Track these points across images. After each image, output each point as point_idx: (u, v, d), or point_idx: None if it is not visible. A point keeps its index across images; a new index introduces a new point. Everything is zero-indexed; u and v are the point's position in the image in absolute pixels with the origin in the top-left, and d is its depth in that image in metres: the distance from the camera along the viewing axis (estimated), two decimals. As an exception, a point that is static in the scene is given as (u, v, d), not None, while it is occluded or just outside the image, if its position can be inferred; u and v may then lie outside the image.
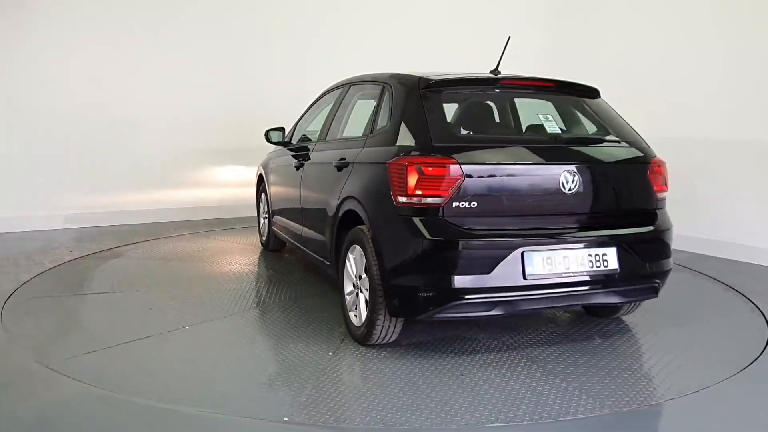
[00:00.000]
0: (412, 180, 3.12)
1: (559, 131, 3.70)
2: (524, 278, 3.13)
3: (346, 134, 4.33)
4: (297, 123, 5.30)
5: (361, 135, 3.91)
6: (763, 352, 3.57)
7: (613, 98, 7.03)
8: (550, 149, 3.51)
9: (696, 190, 6.26)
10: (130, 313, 4.12)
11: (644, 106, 6.67)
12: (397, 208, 3.19)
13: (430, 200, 3.11)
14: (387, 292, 3.27)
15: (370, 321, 3.39)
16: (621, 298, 3.48)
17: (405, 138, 3.36)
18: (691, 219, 6.27)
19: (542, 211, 3.34)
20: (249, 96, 7.59)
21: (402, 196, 3.16)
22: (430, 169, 3.12)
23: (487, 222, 3.19)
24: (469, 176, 3.14)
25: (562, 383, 3.11)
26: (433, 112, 3.38)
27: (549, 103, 3.97)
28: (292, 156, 4.90)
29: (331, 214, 3.91)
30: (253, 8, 7.69)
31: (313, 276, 5.03)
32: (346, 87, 4.54)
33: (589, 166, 3.40)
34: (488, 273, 3.09)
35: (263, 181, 5.92)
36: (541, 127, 3.74)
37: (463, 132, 3.67)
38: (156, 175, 7.42)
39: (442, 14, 8.10)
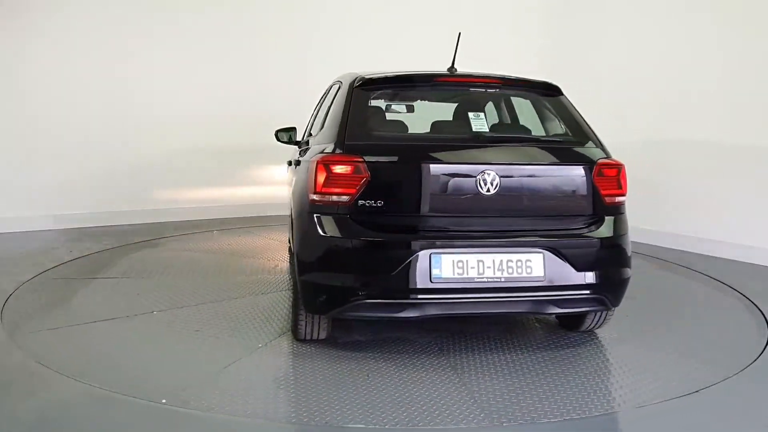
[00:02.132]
0: (321, 178, 3.13)
1: (486, 130, 3.56)
2: (431, 281, 3.04)
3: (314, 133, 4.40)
4: (309, 121, 5.34)
5: (315, 134, 4.00)
6: (763, 352, 3.57)
7: (614, 98, 7.04)
8: (471, 148, 3.40)
9: (695, 190, 6.27)
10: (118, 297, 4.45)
11: (644, 106, 6.69)
12: (309, 205, 3.21)
13: (336, 198, 3.12)
14: (300, 289, 3.31)
15: (294, 316, 3.48)
16: (552, 308, 3.24)
17: (330, 137, 3.39)
18: (691, 219, 6.28)
19: (456, 212, 3.21)
20: (253, 94, 7.58)
21: (313, 193, 3.17)
22: (337, 167, 3.12)
23: (393, 222, 3.16)
24: (376, 175, 3.12)
25: (531, 387, 3.10)
26: (357, 111, 3.39)
27: (491, 102, 3.96)
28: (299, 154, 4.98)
29: (288, 212, 4.07)
30: (256, 6, 7.69)
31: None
32: (333, 85, 4.59)
33: (515, 167, 3.25)
34: (391, 274, 3.04)
35: None
36: (468, 125, 3.67)
37: (384, 130, 3.64)
38: (156, 175, 7.41)
39: (441, 14, 8.10)
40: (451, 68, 3.76)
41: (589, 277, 3.23)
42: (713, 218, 6.09)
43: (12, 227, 6.50)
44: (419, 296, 3.08)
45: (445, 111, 4.00)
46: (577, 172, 3.32)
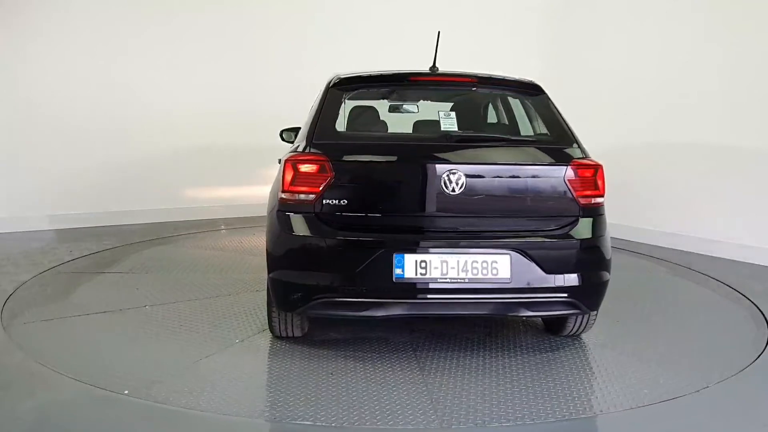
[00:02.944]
0: (289, 176, 3.18)
1: (455, 129, 3.54)
2: (392, 281, 3.04)
3: None
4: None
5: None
6: (762, 352, 3.58)
7: (614, 99, 7.04)
8: (438, 148, 3.36)
9: (695, 190, 6.27)
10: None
11: (644, 106, 6.69)
12: (278, 203, 3.25)
13: (302, 197, 3.16)
14: (270, 286, 3.34)
15: (268, 313, 3.50)
16: (522, 310, 3.21)
17: (302, 136, 3.44)
18: (691, 219, 6.28)
19: (421, 211, 3.20)
20: (253, 93, 7.56)
21: (281, 192, 3.22)
22: (303, 166, 3.17)
23: (357, 221, 3.18)
24: (341, 174, 3.15)
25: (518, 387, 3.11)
26: (329, 110, 3.43)
27: (470, 101, 3.96)
28: None
29: None
30: (256, 5, 7.68)
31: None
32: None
33: (482, 167, 3.23)
34: (354, 273, 3.08)
35: None
36: (437, 124, 3.67)
37: (354, 130, 3.64)
38: (157, 175, 7.40)
39: (442, 15, 8.10)
40: (433, 67, 3.75)
41: (560, 279, 3.17)
42: (713, 218, 6.09)
43: (12, 227, 6.49)
44: (382, 296, 3.10)
45: (431, 110, 3.99)
46: (549, 172, 3.27)
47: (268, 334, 3.65)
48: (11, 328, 3.74)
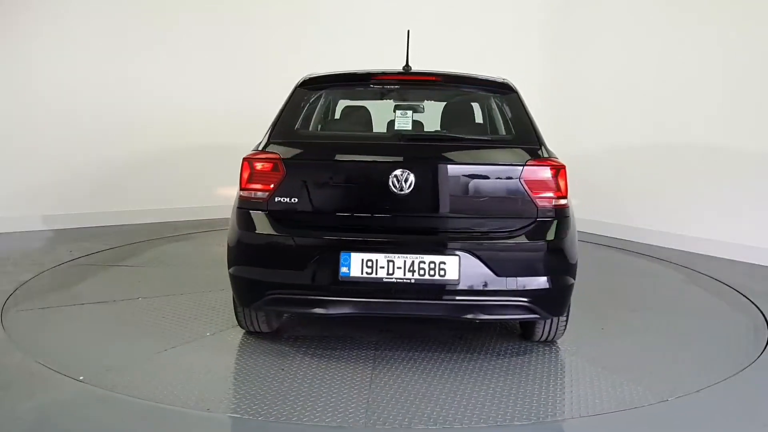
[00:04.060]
0: (245, 174, 3.27)
1: (409, 128, 3.52)
2: (338, 279, 3.05)
3: None
4: None
5: None
6: (763, 352, 3.58)
7: (613, 100, 7.04)
8: (387, 147, 3.38)
9: (695, 190, 6.27)
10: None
11: (644, 106, 6.69)
12: (238, 200, 3.32)
13: (257, 195, 3.23)
14: (230, 281, 3.37)
15: (234, 307, 3.53)
16: (477, 314, 3.15)
17: (265, 134, 3.50)
18: (691, 219, 6.28)
19: (369, 211, 3.22)
20: (255, 93, 7.54)
21: (240, 189, 3.30)
22: (257, 164, 3.25)
23: (307, 219, 3.23)
24: (292, 173, 3.20)
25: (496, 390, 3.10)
26: (291, 110, 3.50)
27: (438, 100, 3.97)
28: None
29: None
30: (256, 4, 7.68)
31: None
32: None
33: (432, 167, 3.21)
34: (300, 270, 3.11)
35: None
36: (392, 123, 3.69)
37: (313, 129, 3.66)
38: (158, 174, 7.40)
39: (443, 15, 8.10)
40: (406, 66, 3.75)
41: (515, 283, 3.10)
42: (713, 218, 6.09)
43: (12, 227, 6.48)
44: (328, 294, 3.13)
45: (374, 109, 4.01)
46: (504, 172, 3.20)
47: (242, 329, 3.71)
48: (7, 313, 3.91)
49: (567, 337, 3.64)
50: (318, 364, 3.29)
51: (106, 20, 6.92)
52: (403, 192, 3.10)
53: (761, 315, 4.24)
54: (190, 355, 3.40)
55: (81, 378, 3.03)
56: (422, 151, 3.35)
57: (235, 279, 3.30)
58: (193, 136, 7.50)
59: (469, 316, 3.17)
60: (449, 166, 3.24)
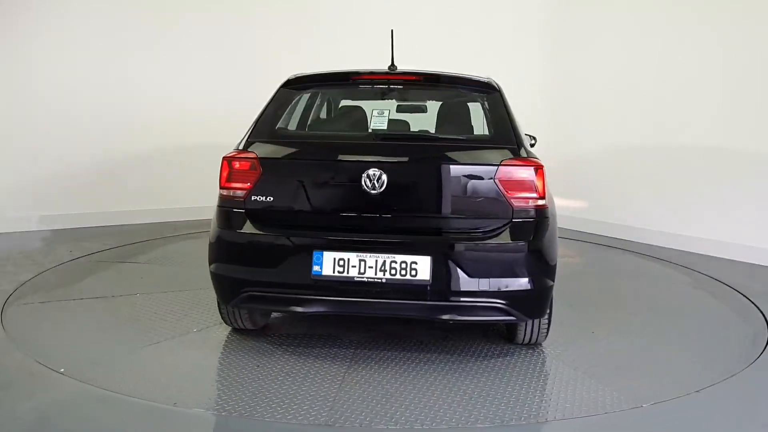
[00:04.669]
0: (225, 173, 3.31)
1: (384, 128, 3.51)
2: (311, 278, 3.07)
3: None
4: None
5: None
6: (763, 352, 3.58)
7: (613, 100, 7.04)
8: (361, 147, 3.38)
9: (695, 190, 6.27)
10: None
11: (644, 106, 6.69)
12: (219, 199, 3.36)
13: (235, 193, 3.27)
14: (211, 278, 3.40)
15: (218, 304, 3.56)
16: (451, 315, 3.13)
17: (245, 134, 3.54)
18: (691, 219, 6.28)
19: (341, 210, 3.23)
20: (255, 93, 7.47)
21: (220, 188, 3.34)
22: (235, 163, 3.29)
23: (281, 217, 3.26)
24: (268, 172, 3.23)
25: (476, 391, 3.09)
26: (272, 109, 3.54)
27: (420, 99, 3.99)
28: None
29: None
30: (257, 4, 7.68)
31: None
32: None
33: (405, 166, 3.21)
34: (274, 268, 3.15)
35: None
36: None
37: (292, 128, 3.68)
38: (158, 174, 7.40)
39: (443, 15, 8.10)
40: (391, 66, 3.74)
41: (489, 284, 3.06)
42: (713, 218, 6.09)
43: (12, 227, 6.48)
44: (301, 292, 3.14)
45: (354, 109, 3.99)
46: (478, 172, 3.16)
47: (228, 327, 3.74)
48: (7, 314, 3.96)
49: (554, 339, 3.62)
50: (295, 361, 3.31)
51: (106, 20, 6.91)
52: (375, 191, 3.09)
53: (761, 315, 4.24)
54: (171, 351, 3.47)
55: (62, 370, 3.10)
56: (395, 150, 3.31)
57: (214, 276, 3.33)
58: (193, 136, 7.49)
59: (446, 317, 3.15)
60: (422, 166, 3.24)
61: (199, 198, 7.69)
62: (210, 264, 3.35)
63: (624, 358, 3.51)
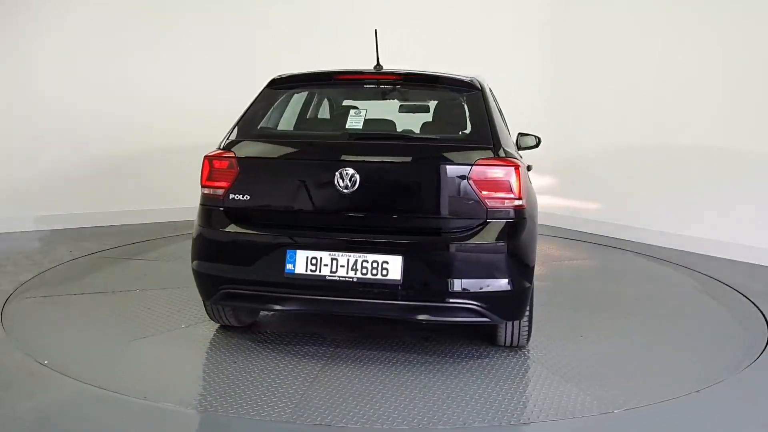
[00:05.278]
0: (205, 171, 3.37)
1: (359, 127, 3.47)
2: (284, 276, 3.09)
3: None
4: None
5: None
6: (763, 352, 3.58)
7: (614, 100, 7.04)
8: (336, 146, 3.37)
9: (695, 190, 6.27)
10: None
11: (644, 107, 6.69)
12: (201, 197, 3.42)
13: (215, 192, 3.33)
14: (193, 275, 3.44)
15: (203, 301, 3.57)
16: (423, 315, 3.11)
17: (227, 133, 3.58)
18: (691, 219, 6.28)
19: (315, 209, 3.23)
20: (255, 92, 7.53)
21: (201, 186, 3.40)
22: (215, 162, 3.35)
23: (256, 216, 3.29)
24: (245, 171, 3.27)
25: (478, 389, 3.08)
26: (255, 109, 3.58)
27: (402, 99, 4.00)
28: None
29: None
30: (257, 4, 7.68)
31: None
32: None
33: (378, 166, 3.20)
34: (249, 266, 3.19)
35: None
36: (341, 121, 3.70)
37: (270, 127, 3.69)
38: (158, 174, 7.39)
39: (443, 15, 8.10)
40: (377, 66, 3.73)
41: (462, 285, 3.03)
42: (713, 218, 6.09)
43: (12, 227, 6.48)
44: (274, 290, 3.17)
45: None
46: (452, 172, 3.11)
47: (216, 323, 3.78)
48: (13, 300, 4.12)
49: (540, 342, 3.60)
50: (272, 359, 3.33)
51: (106, 20, 6.91)
52: (348, 191, 3.10)
53: (761, 315, 4.24)
54: (154, 346, 3.52)
55: (45, 362, 3.19)
56: (368, 150, 3.30)
57: (195, 273, 3.38)
58: (193, 136, 7.46)
59: (421, 317, 3.13)
60: (395, 166, 3.23)
61: (198, 198, 7.70)
62: (192, 261, 3.40)
63: (619, 359, 3.50)
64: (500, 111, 4.76)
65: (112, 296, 4.39)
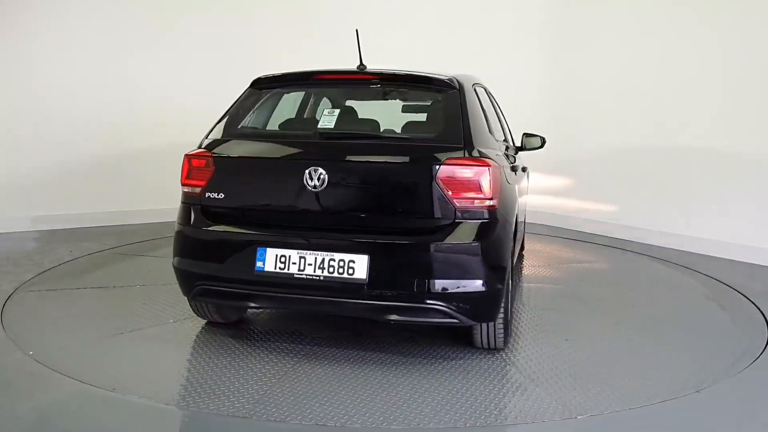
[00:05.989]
0: (185, 170, 3.44)
1: (331, 127, 3.48)
2: (254, 273, 3.13)
3: None
4: None
5: None
6: (763, 352, 3.58)
7: (614, 100, 7.04)
8: (305, 146, 3.44)
9: (695, 190, 6.27)
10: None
11: (644, 107, 6.69)
12: (182, 195, 3.48)
13: (193, 190, 3.39)
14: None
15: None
16: (392, 315, 3.08)
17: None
18: (691, 219, 6.28)
19: (284, 207, 3.28)
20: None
21: (181, 185, 3.46)
22: (193, 160, 3.42)
23: (230, 214, 3.34)
24: (220, 169, 3.34)
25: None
26: (236, 109, 3.68)
27: (380, 98, 4.00)
28: None
29: None
30: (257, 4, 7.68)
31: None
32: None
33: (346, 165, 3.21)
34: (222, 263, 3.24)
35: None
36: (315, 121, 3.80)
37: (250, 126, 3.72)
38: (157, 174, 7.39)
39: (444, 15, 8.10)
40: (360, 66, 3.73)
41: (424, 285, 2.99)
42: (713, 218, 6.10)
43: (11, 227, 6.48)
44: (245, 287, 3.21)
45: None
46: (420, 171, 3.10)
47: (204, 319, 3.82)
48: (7, 314, 3.98)
49: (523, 345, 3.59)
50: (246, 355, 3.37)
51: (106, 20, 6.91)
52: (317, 189, 3.12)
53: (761, 315, 4.24)
54: (136, 340, 3.57)
55: (31, 353, 3.27)
56: (337, 149, 3.34)
57: (174, 270, 3.44)
58: (193, 136, 7.41)
59: (390, 317, 3.11)
60: (363, 165, 3.23)
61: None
62: (173, 258, 3.46)
63: (610, 361, 3.49)
64: (498, 110, 4.76)
65: (113, 291, 4.48)
